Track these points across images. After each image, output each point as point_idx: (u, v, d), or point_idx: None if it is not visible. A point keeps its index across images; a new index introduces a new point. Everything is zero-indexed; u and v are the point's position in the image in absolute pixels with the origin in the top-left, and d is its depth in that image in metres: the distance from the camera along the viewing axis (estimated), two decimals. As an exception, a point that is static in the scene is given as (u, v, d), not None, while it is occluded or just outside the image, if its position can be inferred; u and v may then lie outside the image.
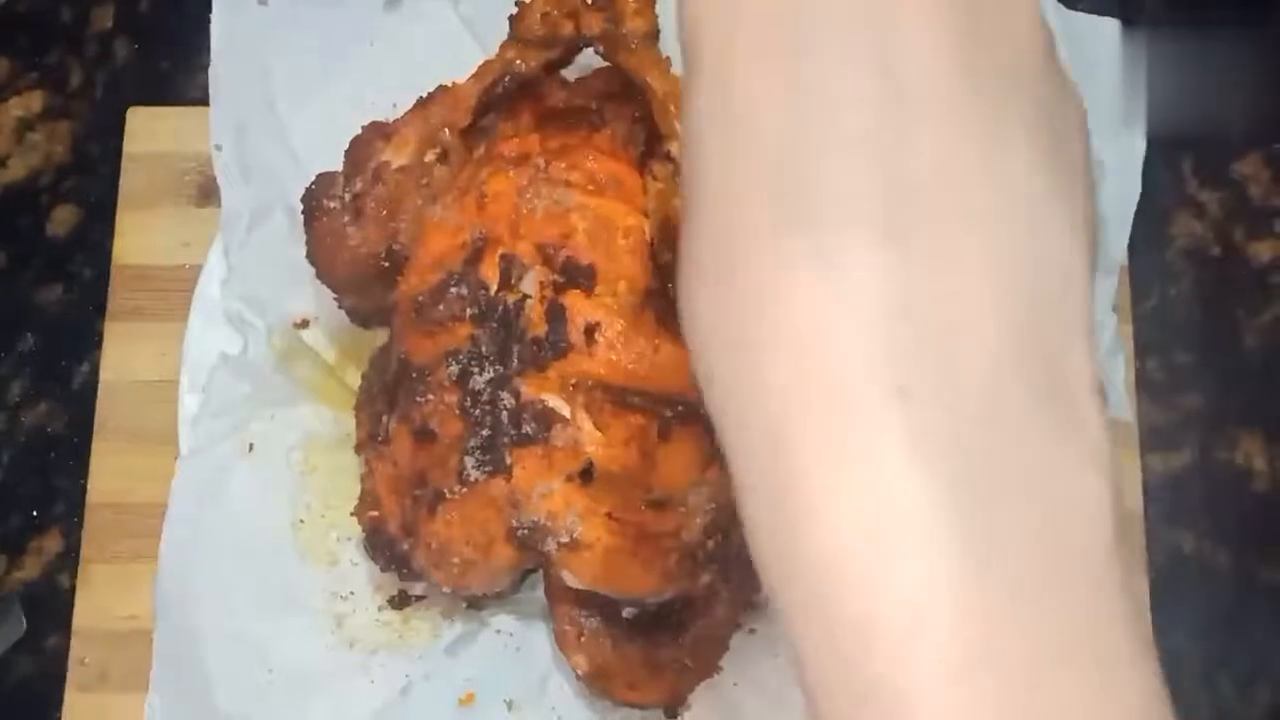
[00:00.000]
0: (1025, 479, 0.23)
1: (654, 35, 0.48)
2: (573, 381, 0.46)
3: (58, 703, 0.55)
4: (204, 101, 0.57)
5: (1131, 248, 0.57)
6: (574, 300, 0.46)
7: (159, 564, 0.52)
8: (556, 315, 0.46)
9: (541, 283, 0.46)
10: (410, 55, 0.55)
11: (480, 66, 0.49)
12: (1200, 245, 0.59)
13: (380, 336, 0.53)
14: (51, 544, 0.57)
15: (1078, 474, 0.23)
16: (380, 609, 0.53)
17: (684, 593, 0.47)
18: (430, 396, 0.47)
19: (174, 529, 0.52)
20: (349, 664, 0.52)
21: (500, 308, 0.46)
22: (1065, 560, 0.23)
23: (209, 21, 0.56)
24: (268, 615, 0.52)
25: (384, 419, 0.49)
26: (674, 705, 0.50)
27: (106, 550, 0.56)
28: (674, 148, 0.47)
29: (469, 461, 0.46)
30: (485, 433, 0.46)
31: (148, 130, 0.60)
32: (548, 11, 0.48)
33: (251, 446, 0.54)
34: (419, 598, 0.53)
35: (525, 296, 0.46)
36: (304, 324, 0.55)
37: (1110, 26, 0.53)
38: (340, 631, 0.52)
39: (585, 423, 0.45)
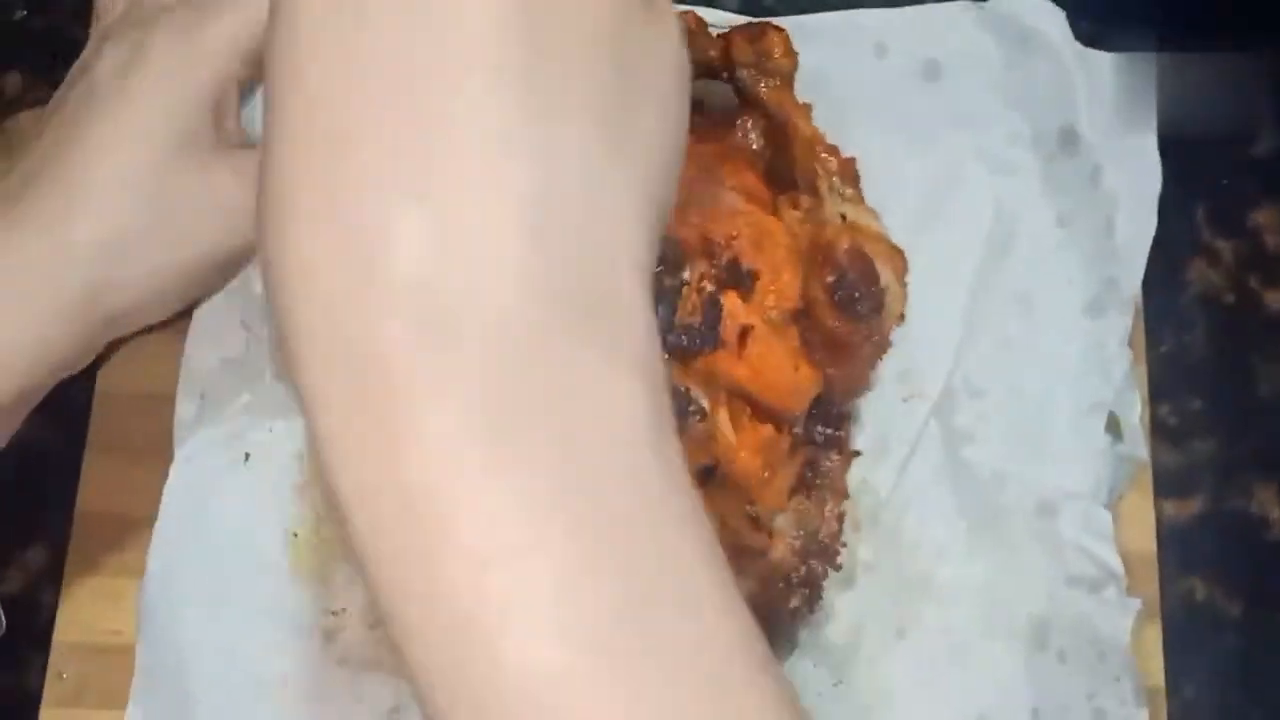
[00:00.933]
0: (559, 397, 0.25)
1: (793, 76, 0.49)
2: (717, 380, 0.45)
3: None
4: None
5: (1145, 293, 0.57)
6: (731, 300, 0.46)
7: (146, 570, 0.51)
8: (714, 309, 0.45)
9: (702, 274, 0.46)
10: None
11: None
12: (1215, 292, 0.59)
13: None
14: (37, 558, 0.56)
15: (610, 380, 0.26)
16: (372, 627, 0.51)
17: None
18: None
19: (163, 535, 0.51)
20: (337, 681, 0.50)
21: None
22: (600, 456, 0.26)
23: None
24: (255, 628, 0.50)
25: None
26: None
27: (92, 563, 0.54)
28: (823, 186, 0.48)
29: None
30: None
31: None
32: (694, 30, 0.48)
33: (248, 456, 0.53)
34: (413, 616, 0.51)
35: (684, 282, 0.46)
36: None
37: (1124, 59, 0.54)
38: (330, 648, 0.51)
39: (723, 422, 0.45)
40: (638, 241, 0.28)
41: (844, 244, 0.46)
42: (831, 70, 0.53)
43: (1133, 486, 0.54)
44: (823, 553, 0.47)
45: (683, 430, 0.44)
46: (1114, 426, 0.52)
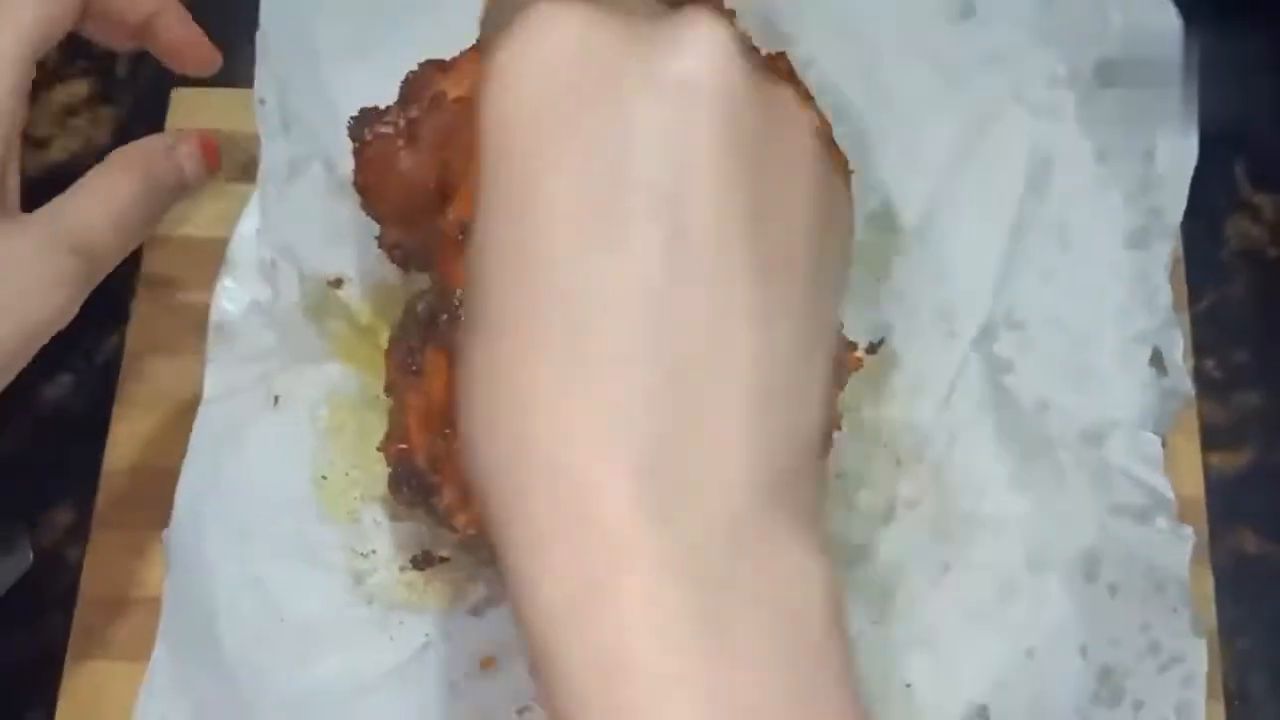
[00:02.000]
0: (761, 587, 0.26)
1: None
2: None
3: (58, 678, 0.52)
4: (249, 84, 0.57)
5: (1186, 249, 0.56)
6: None
7: (174, 510, 0.50)
8: None
9: None
10: (464, 21, 0.55)
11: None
12: (1255, 246, 0.58)
13: (416, 286, 0.52)
14: (63, 518, 0.55)
15: (806, 572, 0.26)
16: (402, 569, 0.50)
17: None
18: None
19: (191, 475, 0.50)
20: (366, 620, 0.49)
21: None
22: (794, 644, 0.26)
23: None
24: (283, 567, 0.49)
25: (416, 354, 0.47)
26: None
27: (119, 518, 0.54)
28: None
29: None
30: None
31: (190, 111, 0.60)
32: None
33: (277, 399, 0.52)
34: (443, 559, 0.50)
35: None
36: (338, 283, 0.54)
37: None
38: (359, 589, 0.50)
39: None
40: (826, 415, 0.28)
41: None
42: (862, 8, 0.53)
43: (1181, 434, 0.53)
44: None
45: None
46: (1158, 361, 0.51)
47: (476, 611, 0.49)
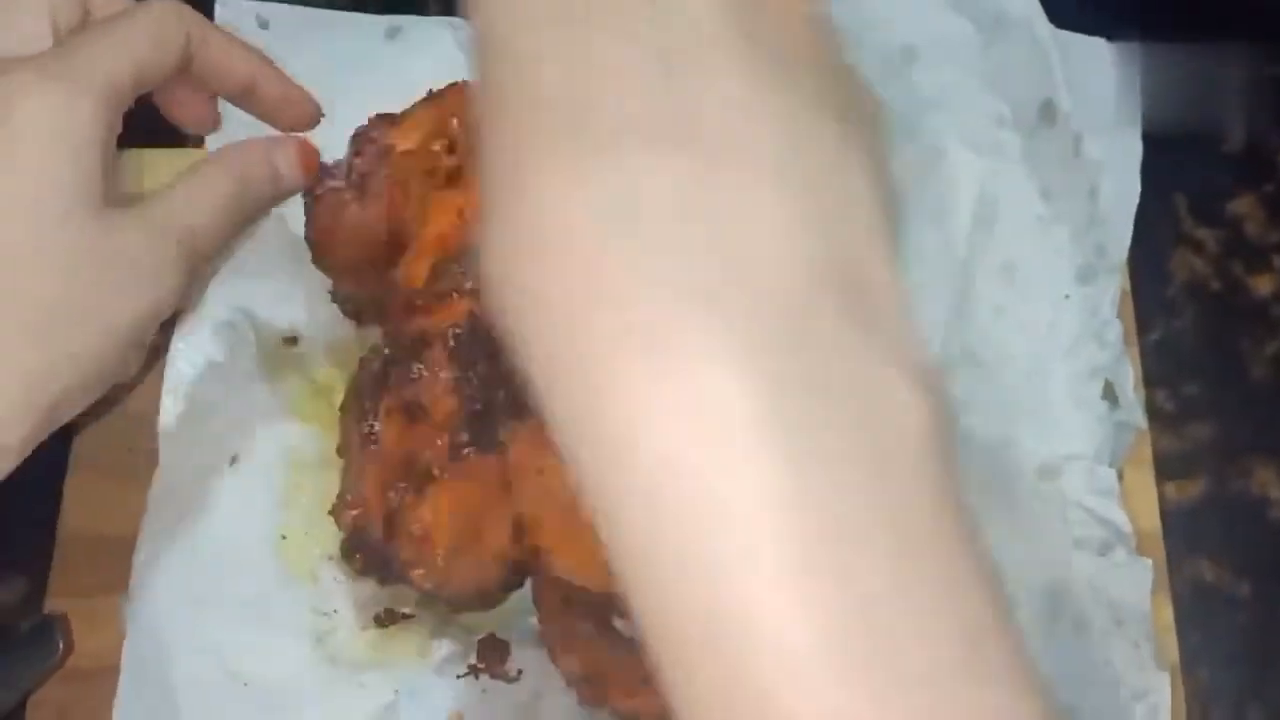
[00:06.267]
0: (840, 389, 0.24)
1: None
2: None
3: (9, 753, 0.51)
4: (200, 143, 0.57)
5: (1134, 283, 0.57)
6: None
7: (131, 575, 0.49)
8: None
9: None
10: (410, 84, 0.55)
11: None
12: (1201, 280, 0.59)
13: (370, 340, 0.52)
14: (16, 588, 0.54)
15: (890, 385, 0.24)
16: (364, 627, 0.50)
17: None
18: (425, 372, 0.45)
19: (149, 539, 0.49)
20: (330, 679, 0.48)
21: None
22: (883, 465, 0.24)
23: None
24: (244, 630, 0.49)
25: (369, 416, 0.47)
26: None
27: (74, 584, 0.53)
28: None
29: (462, 438, 0.44)
30: (479, 408, 0.44)
31: (138, 172, 0.59)
32: None
33: (235, 459, 0.51)
34: (406, 615, 0.50)
35: None
36: (293, 340, 0.53)
37: (1100, 45, 0.54)
38: (321, 648, 0.49)
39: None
40: (887, 237, 0.26)
41: None
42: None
43: (1135, 466, 0.53)
44: None
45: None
46: (1110, 394, 0.51)
47: (442, 669, 0.49)
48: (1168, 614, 0.52)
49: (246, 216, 0.51)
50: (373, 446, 0.46)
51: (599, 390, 0.24)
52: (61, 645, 0.51)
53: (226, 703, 0.47)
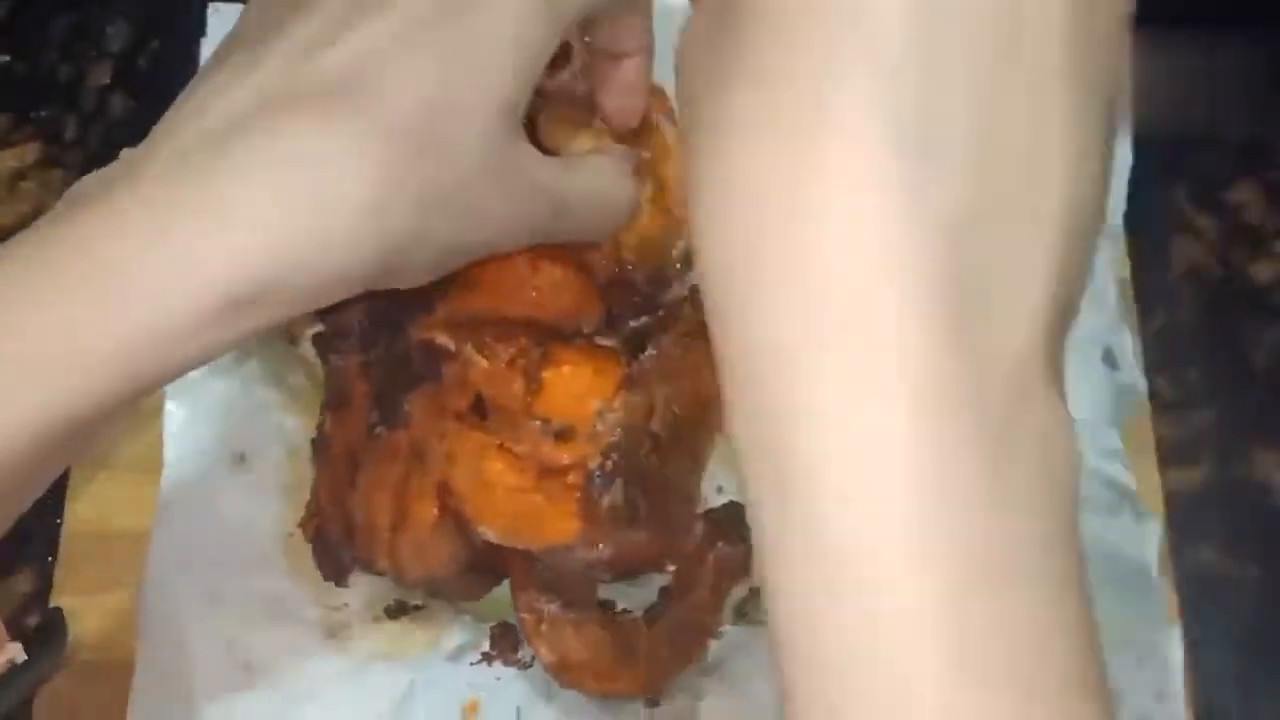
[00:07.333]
0: (1034, 433, 0.26)
1: None
2: (459, 318, 0.44)
3: (21, 750, 0.51)
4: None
5: (1134, 271, 0.57)
6: None
7: (144, 575, 0.49)
8: None
9: None
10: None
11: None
12: (1201, 267, 0.59)
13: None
14: (22, 585, 0.54)
15: (1065, 426, 0.26)
16: (376, 619, 0.50)
17: (620, 552, 0.44)
18: (341, 362, 0.46)
19: (161, 540, 0.50)
20: (344, 672, 0.48)
21: None
22: (1057, 505, 0.26)
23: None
24: (257, 625, 0.49)
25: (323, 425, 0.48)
26: (652, 695, 0.47)
27: (81, 580, 0.53)
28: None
29: (372, 417, 0.45)
30: (380, 384, 0.45)
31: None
32: None
33: (242, 457, 0.52)
34: (416, 607, 0.50)
35: None
36: (294, 340, 0.54)
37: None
38: (333, 642, 0.49)
39: (471, 354, 0.44)
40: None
41: None
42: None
43: (1138, 453, 0.54)
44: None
45: (437, 380, 0.44)
46: (1110, 359, 0.52)
47: (455, 658, 0.49)
48: (1173, 600, 0.53)
49: None
50: (322, 449, 0.47)
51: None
52: (69, 639, 0.51)
53: (242, 698, 0.48)
